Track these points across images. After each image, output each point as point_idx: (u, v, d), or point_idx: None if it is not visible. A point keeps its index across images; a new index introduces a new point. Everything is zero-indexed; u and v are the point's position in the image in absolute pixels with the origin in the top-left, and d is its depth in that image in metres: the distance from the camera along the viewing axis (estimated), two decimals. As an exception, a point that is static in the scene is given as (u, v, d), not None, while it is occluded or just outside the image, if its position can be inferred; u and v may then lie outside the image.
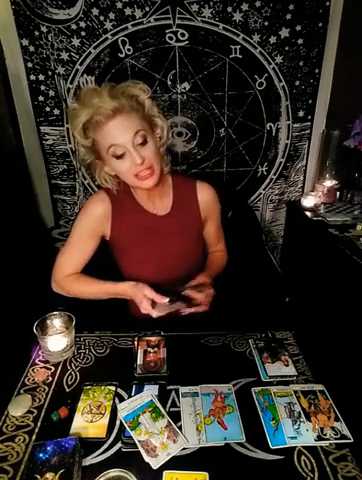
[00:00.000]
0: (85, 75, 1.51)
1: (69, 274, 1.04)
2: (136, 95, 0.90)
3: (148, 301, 0.90)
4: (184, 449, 0.64)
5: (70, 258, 1.05)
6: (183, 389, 0.76)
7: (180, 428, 0.68)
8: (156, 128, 0.96)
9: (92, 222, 1.03)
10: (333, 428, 0.68)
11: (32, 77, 1.51)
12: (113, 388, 0.76)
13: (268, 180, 1.79)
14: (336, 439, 0.66)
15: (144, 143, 0.89)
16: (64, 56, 1.47)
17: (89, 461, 0.62)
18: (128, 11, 1.41)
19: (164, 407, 0.71)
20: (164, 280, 1.03)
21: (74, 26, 1.42)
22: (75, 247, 1.04)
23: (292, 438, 0.66)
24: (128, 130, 0.86)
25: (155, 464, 0.61)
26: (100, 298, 1.03)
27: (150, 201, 1.05)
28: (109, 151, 0.88)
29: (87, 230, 1.03)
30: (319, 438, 0.66)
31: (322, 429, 0.68)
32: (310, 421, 0.69)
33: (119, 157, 0.89)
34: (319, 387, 0.77)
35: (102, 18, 1.42)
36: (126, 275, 1.11)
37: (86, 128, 0.88)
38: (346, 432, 0.67)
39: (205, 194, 1.09)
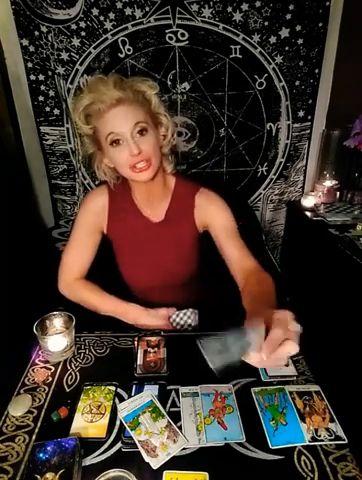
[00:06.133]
0: (85, 75, 1.52)
1: (77, 277, 1.04)
2: (143, 91, 0.89)
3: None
4: (184, 449, 0.64)
5: (74, 256, 1.04)
6: (183, 389, 0.76)
7: (180, 428, 0.67)
8: (161, 126, 0.95)
9: (91, 215, 1.03)
10: (327, 429, 0.68)
11: (32, 77, 1.51)
12: (113, 388, 0.76)
13: (268, 180, 1.79)
14: (331, 440, 0.66)
15: (143, 135, 0.87)
16: (64, 56, 1.47)
17: (89, 461, 0.62)
18: (128, 11, 1.42)
19: (164, 407, 0.71)
20: (159, 284, 1.03)
21: (74, 26, 1.43)
22: (78, 244, 1.04)
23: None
24: (129, 120, 0.85)
25: (155, 464, 0.61)
26: (100, 312, 1.01)
27: (148, 204, 1.03)
28: (107, 139, 0.87)
29: (88, 224, 1.03)
30: (313, 439, 0.66)
31: (316, 430, 0.67)
32: (305, 422, 0.69)
33: (116, 145, 0.87)
34: (315, 388, 0.77)
35: (102, 18, 1.42)
36: (123, 277, 1.10)
37: (88, 115, 0.88)
38: (340, 433, 0.67)
39: (203, 203, 1.01)
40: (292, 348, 0.52)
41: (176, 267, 1.05)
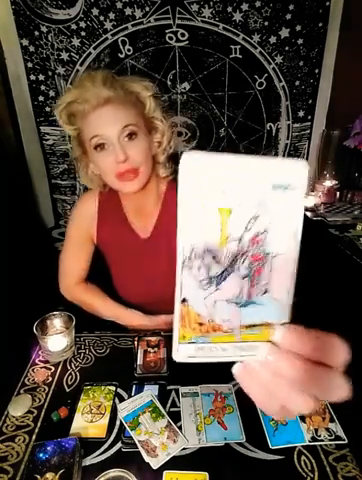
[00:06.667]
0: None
1: (76, 282, 1.03)
2: (137, 92, 0.81)
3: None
4: (184, 449, 0.64)
5: (70, 262, 1.02)
6: (183, 389, 0.76)
7: (180, 428, 0.67)
8: (155, 132, 0.87)
9: (81, 221, 0.99)
10: (328, 429, 0.68)
11: (32, 77, 1.51)
12: (113, 388, 0.76)
13: (268, 180, 1.79)
14: (331, 440, 0.66)
15: (132, 140, 0.78)
16: (64, 56, 1.47)
17: (89, 461, 0.62)
18: (128, 11, 1.41)
19: (164, 407, 0.71)
20: (153, 300, 0.97)
21: (74, 26, 1.43)
22: (73, 250, 1.01)
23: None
24: (116, 121, 0.76)
25: (155, 464, 0.61)
26: (101, 316, 1.01)
27: (139, 216, 0.96)
28: (91, 142, 0.78)
29: (79, 231, 0.99)
30: (313, 439, 0.66)
31: (316, 430, 0.67)
32: (305, 422, 0.69)
33: (101, 149, 0.78)
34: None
35: (102, 18, 1.42)
36: (115, 288, 1.06)
37: (72, 114, 0.80)
38: (340, 433, 0.67)
39: None
40: (343, 387, 0.24)
41: (171, 282, 0.99)
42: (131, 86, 0.81)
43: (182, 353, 0.24)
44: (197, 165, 0.21)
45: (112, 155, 0.78)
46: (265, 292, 0.23)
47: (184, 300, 0.23)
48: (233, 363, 0.26)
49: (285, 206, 0.21)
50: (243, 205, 0.21)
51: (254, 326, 0.24)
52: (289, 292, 0.23)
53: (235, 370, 0.26)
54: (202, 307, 0.23)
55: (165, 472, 0.60)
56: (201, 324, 0.23)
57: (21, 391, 0.76)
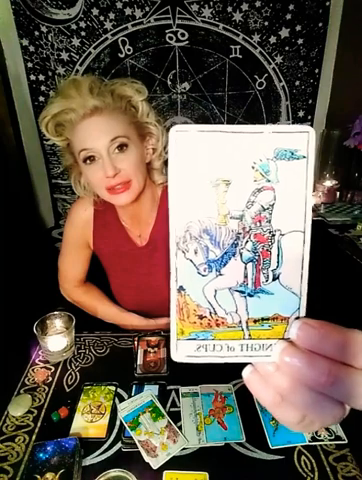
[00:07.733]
0: (85, 76, 1.52)
1: (75, 284, 1.03)
2: (128, 96, 0.77)
3: None
4: (184, 449, 0.64)
5: (67, 266, 1.02)
6: (183, 389, 0.76)
7: (180, 428, 0.67)
8: (150, 138, 0.83)
9: (76, 229, 0.96)
10: (328, 429, 0.67)
11: (32, 77, 1.51)
12: (113, 388, 0.76)
13: (268, 180, 1.79)
14: (331, 440, 0.66)
15: (123, 151, 0.75)
16: (64, 56, 1.47)
17: (89, 461, 0.62)
18: (128, 11, 1.41)
19: (164, 407, 0.71)
20: (151, 308, 0.97)
21: (74, 26, 1.43)
22: (69, 256, 1.01)
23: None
24: (104, 134, 0.73)
25: (155, 464, 0.61)
26: (101, 319, 1.01)
27: (136, 224, 0.94)
28: (80, 155, 0.76)
29: (74, 238, 0.97)
30: (313, 439, 0.66)
31: (316, 430, 0.67)
32: None
33: (90, 162, 0.76)
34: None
35: (102, 18, 1.42)
36: (113, 295, 1.05)
37: (60, 124, 0.76)
38: (340, 433, 0.67)
39: None
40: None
41: (165, 291, 0.96)
42: (122, 90, 0.77)
43: (182, 351, 0.21)
44: (187, 138, 0.19)
45: (102, 169, 0.75)
46: (274, 279, 0.20)
47: (181, 289, 0.20)
48: (239, 364, 0.23)
49: (291, 178, 0.19)
50: (241, 178, 0.19)
51: (264, 320, 0.21)
52: (303, 278, 0.20)
53: (245, 373, 0.23)
54: (201, 297, 0.20)
55: (165, 472, 0.60)
56: (202, 317, 0.21)
57: (21, 391, 0.76)
